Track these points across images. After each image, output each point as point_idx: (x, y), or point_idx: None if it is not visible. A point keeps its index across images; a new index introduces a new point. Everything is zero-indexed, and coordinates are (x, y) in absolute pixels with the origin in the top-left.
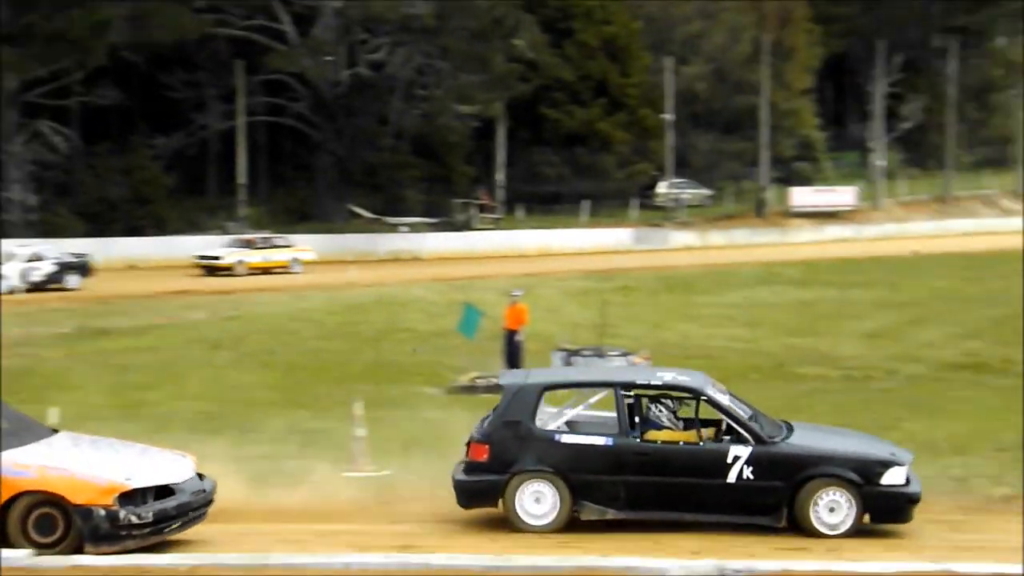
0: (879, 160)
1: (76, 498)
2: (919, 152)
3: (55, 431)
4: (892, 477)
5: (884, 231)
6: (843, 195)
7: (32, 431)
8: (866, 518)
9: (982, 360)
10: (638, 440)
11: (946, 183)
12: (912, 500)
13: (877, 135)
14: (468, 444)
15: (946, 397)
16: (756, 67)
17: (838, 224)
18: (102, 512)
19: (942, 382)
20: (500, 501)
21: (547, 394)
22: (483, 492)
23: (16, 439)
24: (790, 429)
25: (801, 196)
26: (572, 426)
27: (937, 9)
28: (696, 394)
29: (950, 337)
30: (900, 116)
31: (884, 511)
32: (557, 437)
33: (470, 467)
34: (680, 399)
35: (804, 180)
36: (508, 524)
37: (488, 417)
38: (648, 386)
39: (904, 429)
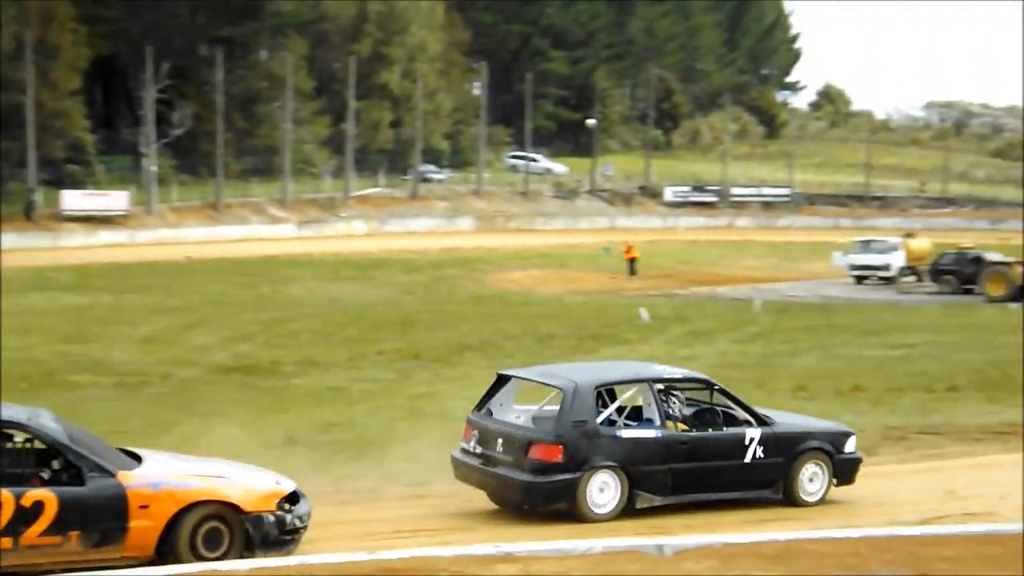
0: (151, 165)
1: (248, 505)
2: (191, 159)
3: (134, 453)
4: (851, 445)
5: (158, 236)
6: (116, 199)
7: (114, 454)
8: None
9: (252, 362)
10: (679, 431)
11: (217, 190)
12: (860, 464)
13: (149, 140)
14: (530, 445)
15: (218, 399)
16: (21, 64)
17: (111, 229)
18: (271, 518)
19: (215, 384)
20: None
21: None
22: (560, 491)
23: (120, 459)
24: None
25: (72, 199)
26: (612, 422)
27: (203, 19)
28: (709, 385)
29: (222, 340)
30: (171, 122)
31: (845, 476)
32: (618, 433)
33: (543, 468)
34: (692, 389)
35: (76, 183)
36: (574, 516)
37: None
38: (672, 379)
39: (177, 432)
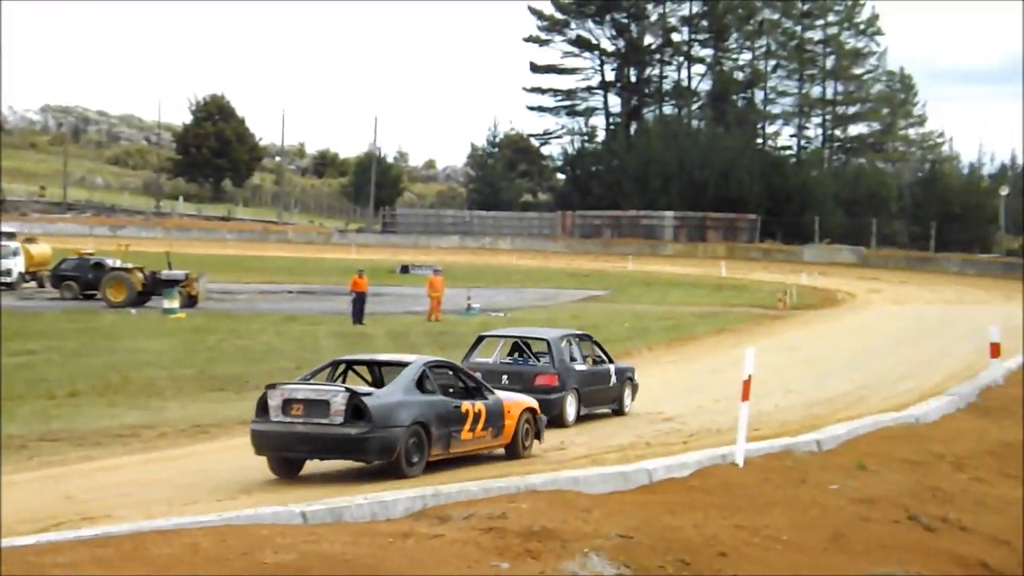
0: None
1: (537, 411)
2: None
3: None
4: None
5: None
6: None
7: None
8: None
9: None
10: (592, 366)
11: None
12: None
13: None
14: (535, 376)
15: None
16: None
17: None
18: (543, 418)
19: None
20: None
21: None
22: (554, 405)
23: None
24: None
25: None
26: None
27: None
28: (590, 337)
29: None
30: None
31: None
32: (576, 368)
33: (545, 390)
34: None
35: None
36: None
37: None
38: (576, 334)
39: None
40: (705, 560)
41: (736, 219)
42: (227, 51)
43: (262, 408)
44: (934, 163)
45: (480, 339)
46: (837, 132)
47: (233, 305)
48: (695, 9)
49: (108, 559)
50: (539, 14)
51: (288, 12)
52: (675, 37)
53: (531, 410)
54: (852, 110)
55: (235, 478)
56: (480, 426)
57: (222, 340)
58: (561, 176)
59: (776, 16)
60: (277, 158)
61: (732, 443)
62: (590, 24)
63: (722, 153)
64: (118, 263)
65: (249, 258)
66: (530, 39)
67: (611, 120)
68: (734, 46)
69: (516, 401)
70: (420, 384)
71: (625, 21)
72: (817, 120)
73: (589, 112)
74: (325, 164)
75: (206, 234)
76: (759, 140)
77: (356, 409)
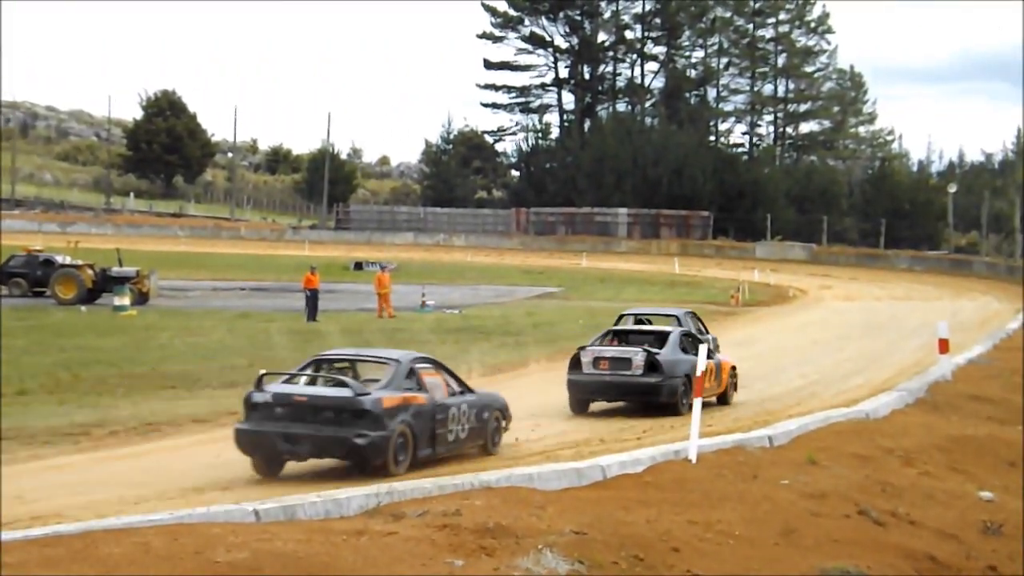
0: None
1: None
2: None
3: None
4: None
5: None
6: None
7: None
8: None
9: None
10: None
11: None
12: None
13: None
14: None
15: None
16: None
17: None
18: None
19: None
20: None
21: None
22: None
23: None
24: None
25: None
26: None
27: None
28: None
29: None
30: None
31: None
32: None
33: (653, 368)
34: None
35: None
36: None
37: None
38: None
39: None
40: (658, 555)
41: (689, 216)
42: (179, 46)
43: (575, 364)
44: (884, 161)
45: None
46: (789, 130)
47: (185, 302)
48: (648, 7)
49: (57, 559)
50: (493, 11)
51: (241, 7)
52: (628, 34)
53: (734, 368)
54: (803, 108)
55: (187, 477)
56: (712, 377)
57: (173, 337)
58: (515, 173)
59: (728, 14)
60: (229, 154)
61: (685, 439)
62: (544, 21)
63: (675, 150)
64: (68, 260)
65: (201, 255)
66: (484, 36)
67: (565, 117)
68: (687, 44)
69: (725, 361)
70: (683, 347)
71: (579, 18)
72: (769, 118)
73: (543, 109)
74: (278, 160)
75: (157, 231)
76: (712, 137)
77: (651, 364)
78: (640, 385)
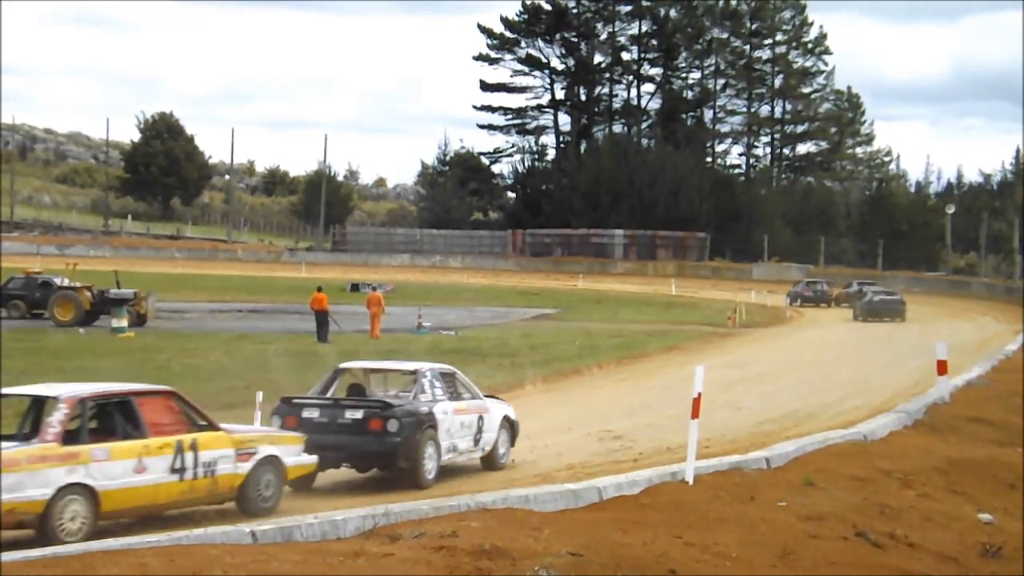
0: None
1: None
2: None
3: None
4: None
5: None
6: None
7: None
8: None
9: None
10: None
11: None
12: None
13: None
14: None
15: None
16: None
17: None
18: None
19: None
20: None
21: None
22: None
23: None
24: None
25: None
26: None
27: None
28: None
29: None
30: None
31: None
32: None
33: None
34: None
35: None
36: None
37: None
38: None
39: None
40: None
41: (685, 237)
42: (176, 69)
43: None
44: (881, 181)
45: None
46: (785, 151)
47: (182, 324)
48: (645, 28)
49: None
50: (489, 32)
51: (238, 29)
52: (625, 56)
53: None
54: (800, 129)
55: None
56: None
57: (171, 359)
58: (511, 194)
59: (725, 35)
60: (226, 176)
61: (682, 461)
62: (540, 43)
63: (671, 171)
64: (66, 282)
65: (198, 276)
66: (480, 57)
67: (561, 138)
68: (683, 65)
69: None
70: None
71: (575, 40)
72: (766, 139)
73: (539, 130)
74: (275, 182)
75: (155, 253)
76: (708, 159)
77: None
78: None
